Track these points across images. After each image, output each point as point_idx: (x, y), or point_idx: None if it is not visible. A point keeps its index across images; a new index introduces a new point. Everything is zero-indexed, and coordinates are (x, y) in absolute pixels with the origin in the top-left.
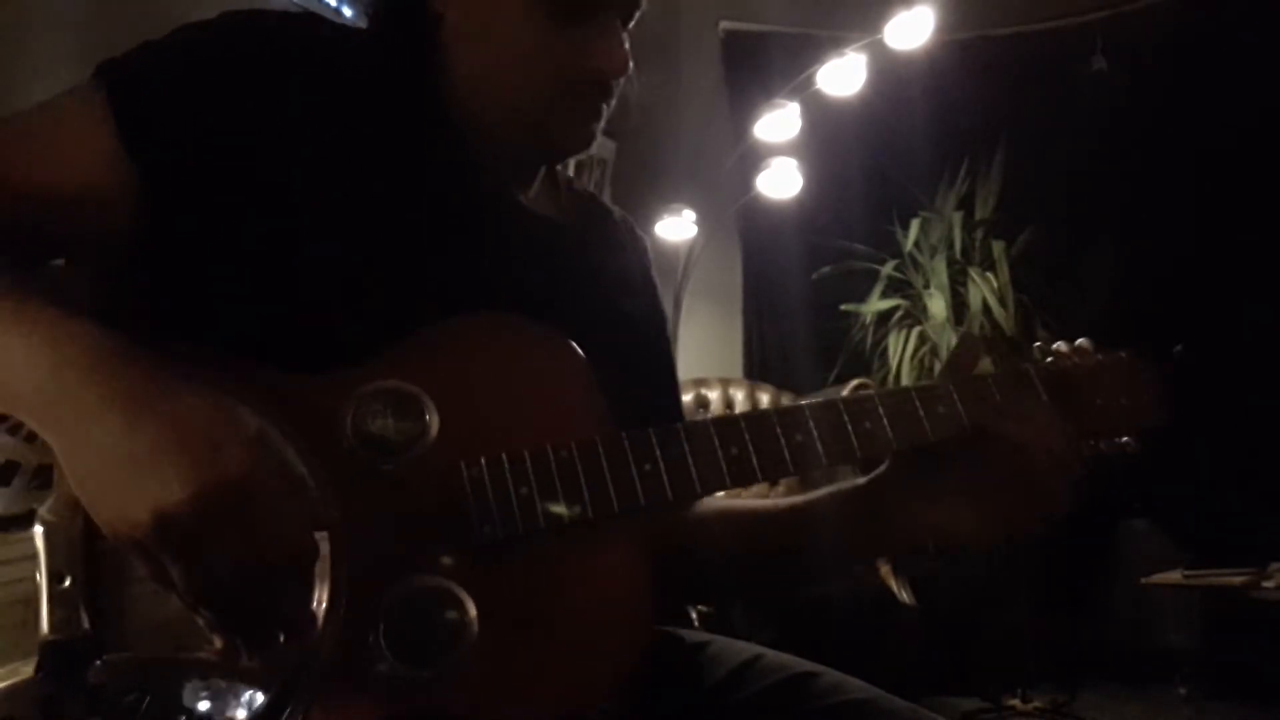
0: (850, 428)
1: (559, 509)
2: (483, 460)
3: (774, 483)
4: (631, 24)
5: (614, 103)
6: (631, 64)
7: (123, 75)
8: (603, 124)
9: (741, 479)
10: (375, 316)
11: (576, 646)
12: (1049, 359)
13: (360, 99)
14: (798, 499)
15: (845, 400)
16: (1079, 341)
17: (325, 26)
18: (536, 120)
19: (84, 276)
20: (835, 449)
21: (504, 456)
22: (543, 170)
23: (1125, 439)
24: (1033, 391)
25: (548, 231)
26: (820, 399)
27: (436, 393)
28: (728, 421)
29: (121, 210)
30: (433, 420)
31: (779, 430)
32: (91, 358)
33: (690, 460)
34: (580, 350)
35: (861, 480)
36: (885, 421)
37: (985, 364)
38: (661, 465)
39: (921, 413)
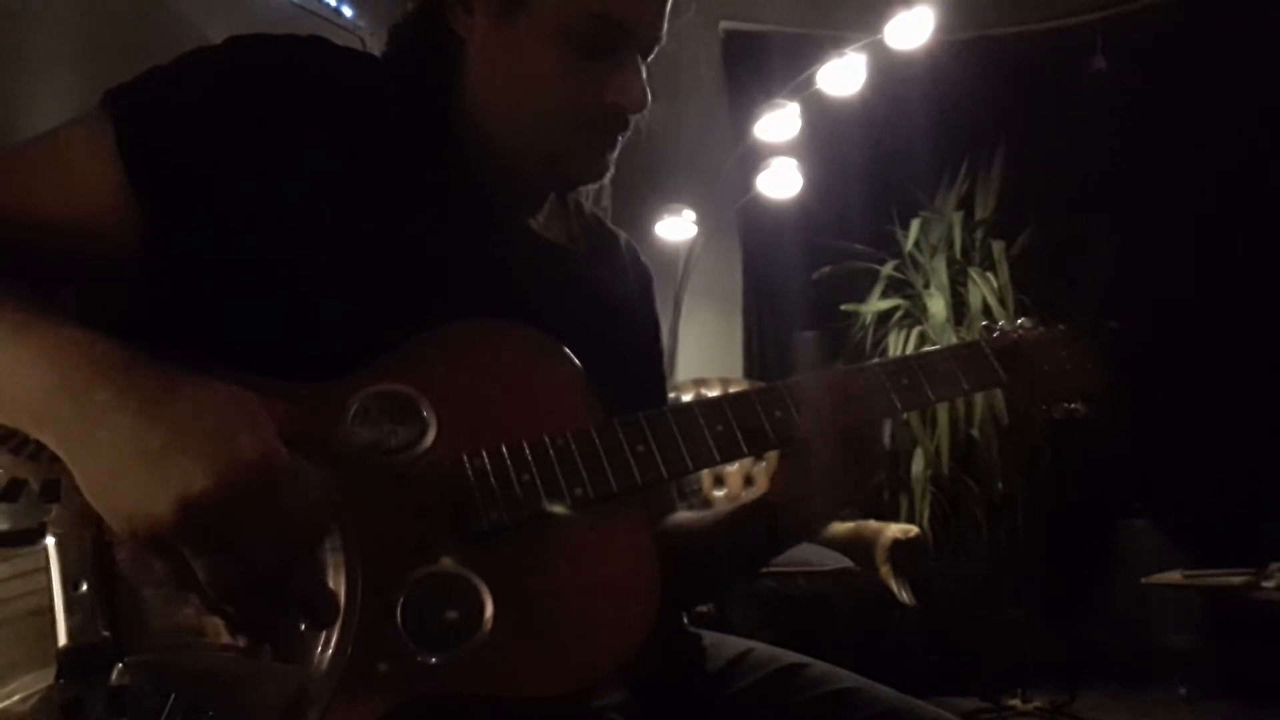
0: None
1: (561, 492)
2: (484, 451)
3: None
4: (650, 57)
5: (629, 133)
6: (650, 97)
7: (130, 109)
8: (616, 154)
9: (729, 454)
10: (377, 334)
11: (584, 626)
12: (995, 333)
13: (369, 120)
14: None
15: (824, 375)
16: (1021, 320)
17: (333, 49)
18: (551, 150)
19: (88, 294)
20: (814, 422)
21: (504, 447)
22: (552, 195)
23: (1073, 405)
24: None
25: (552, 256)
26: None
27: (433, 394)
28: (711, 403)
29: (126, 239)
30: (430, 420)
31: (759, 408)
32: (96, 362)
33: (680, 439)
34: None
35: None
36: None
37: None
38: (654, 445)
39: (889, 385)
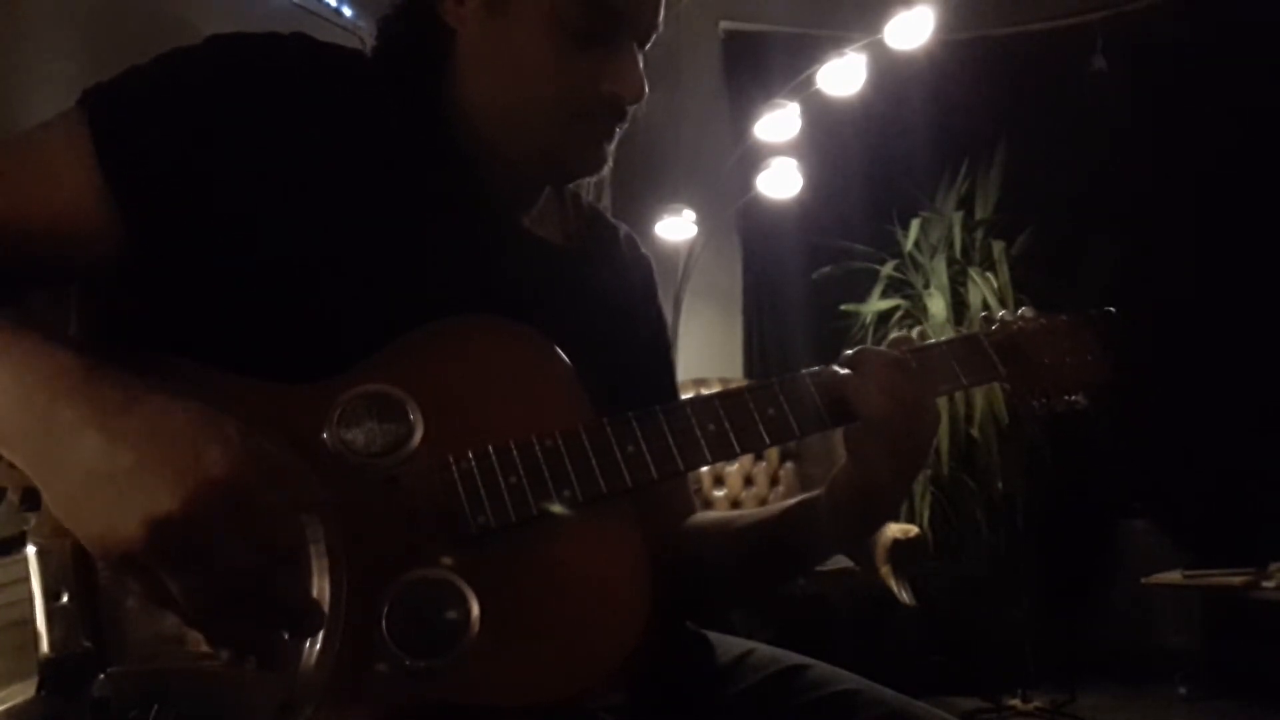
0: (818, 398)
1: (548, 495)
2: (470, 454)
3: (774, 483)
4: (648, 45)
5: (626, 124)
6: (646, 87)
7: (107, 110)
8: (614, 145)
9: (721, 454)
10: (366, 334)
11: (575, 632)
12: (994, 325)
13: (356, 117)
14: (791, 501)
15: (812, 373)
16: (1022, 310)
17: (316, 45)
18: (546, 142)
19: (70, 296)
20: (807, 420)
21: (490, 449)
22: (547, 190)
23: (1075, 397)
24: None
25: (546, 255)
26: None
27: (419, 394)
28: (703, 401)
29: (107, 241)
30: (417, 421)
31: (752, 406)
32: (61, 379)
33: (671, 439)
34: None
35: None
36: None
37: None
38: (644, 446)
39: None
